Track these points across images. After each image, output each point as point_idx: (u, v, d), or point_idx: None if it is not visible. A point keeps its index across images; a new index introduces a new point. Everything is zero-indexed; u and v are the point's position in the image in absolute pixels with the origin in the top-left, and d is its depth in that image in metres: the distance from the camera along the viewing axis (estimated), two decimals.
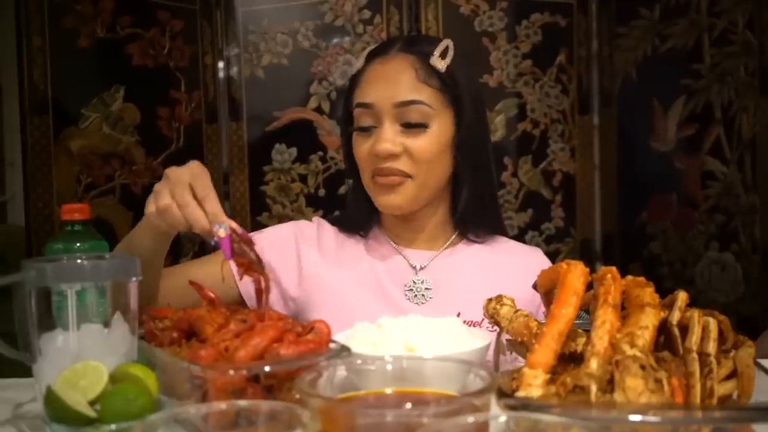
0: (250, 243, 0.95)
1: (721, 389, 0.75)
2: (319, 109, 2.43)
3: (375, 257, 1.32)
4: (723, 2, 2.17)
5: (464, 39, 2.35)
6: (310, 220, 1.39)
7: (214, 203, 0.96)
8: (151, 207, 0.98)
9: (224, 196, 2.48)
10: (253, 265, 0.95)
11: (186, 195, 0.95)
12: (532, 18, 2.46)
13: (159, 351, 0.83)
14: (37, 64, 2.02)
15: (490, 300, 1.04)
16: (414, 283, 1.29)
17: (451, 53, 1.27)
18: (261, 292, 0.95)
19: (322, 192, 2.42)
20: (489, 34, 2.42)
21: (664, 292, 2.43)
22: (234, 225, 0.96)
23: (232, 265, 1.17)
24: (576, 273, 0.86)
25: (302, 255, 1.31)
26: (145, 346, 0.87)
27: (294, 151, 2.45)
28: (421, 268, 1.31)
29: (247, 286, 1.26)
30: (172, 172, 0.98)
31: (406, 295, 1.28)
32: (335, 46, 2.42)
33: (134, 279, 0.85)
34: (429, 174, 1.25)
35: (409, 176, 1.23)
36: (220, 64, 2.48)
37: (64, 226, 1.00)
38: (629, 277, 0.90)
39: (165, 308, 0.94)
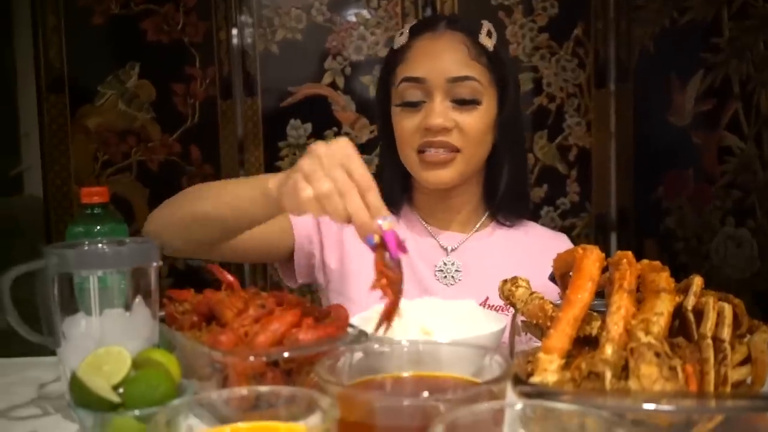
0: (404, 250, 0.79)
1: (735, 375, 0.75)
2: (333, 85, 2.42)
3: (407, 237, 1.33)
4: None
5: (480, 13, 2.33)
6: None
7: (376, 194, 0.81)
8: (305, 191, 0.80)
9: (239, 173, 2.49)
10: (394, 285, 0.78)
11: (348, 181, 0.79)
12: None
13: (180, 335, 0.85)
14: (52, 43, 2.03)
15: (505, 281, 1.04)
16: (444, 264, 1.30)
17: (495, 35, 1.29)
18: (389, 315, 0.78)
19: None
20: (505, 8, 2.39)
21: (680, 267, 2.42)
22: (393, 228, 0.80)
23: (293, 218, 1.18)
24: (592, 258, 0.86)
25: (344, 228, 1.31)
26: (165, 329, 0.89)
27: (309, 126, 2.44)
28: (452, 250, 1.32)
29: (301, 239, 1.29)
30: (322, 149, 0.82)
31: (436, 275, 1.30)
32: (350, 20, 2.40)
33: (155, 264, 0.86)
34: (476, 150, 1.26)
35: (458, 150, 1.24)
36: (235, 40, 2.47)
37: (83, 209, 1.01)
38: (645, 261, 0.90)
39: (185, 291, 0.96)
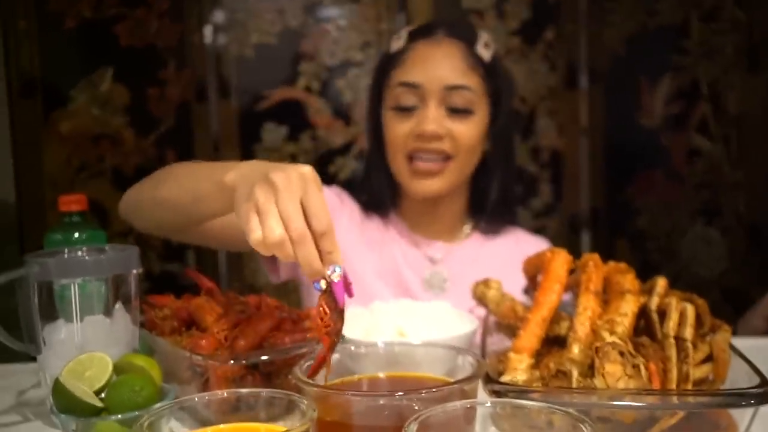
0: (351, 294, 0.76)
1: (697, 373, 0.79)
2: (308, 88, 2.43)
3: (394, 247, 1.34)
4: None
5: (452, 16, 2.36)
6: None
7: (332, 239, 0.75)
8: (255, 233, 0.73)
9: None
10: (332, 333, 0.74)
11: (302, 226, 0.73)
12: None
13: (161, 340, 0.87)
14: (23, 47, 2.02)
15: (477, 283, 1.07)
16: (431, 275, 1.32)
17: (492, 46, 1.30)
18: (321, 362, 0.75)
19: None
20: (477, 12, 2.42)
21: (651, 265, 2.47)
22: (343, 273, 0.75)
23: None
24: (559, 261, 0.89)
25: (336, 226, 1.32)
26: (146, 334, 0.90)
27: (284, 129, 2.46)
28: (439, 260, 1.34)
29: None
30: (281, 179, 0.74)
31: (423, 286, 1.31)
32: (324, 25, 2.42)
33: (135, 271, 0.88)
34: (467, 159, 1.27)
35: (449, 157, 1.25)
36: (208, 43, 2.48)
37: (61, 217, 1.02)
38: (611, 264, 0.94)
39: (165, 297, 0.97)
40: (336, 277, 0.73)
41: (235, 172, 0.82)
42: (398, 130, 1.26)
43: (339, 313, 0.74)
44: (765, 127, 2.07)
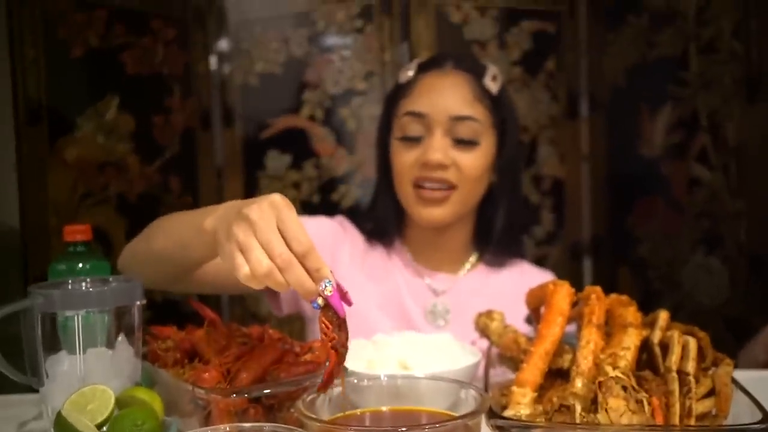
0: (349, 302, 0.78)
1: (700, 407, 0.79)
2: (312, 117, 2.45)
3: (398, 278, 1.34)
4: (710, 11, 2.21)
5: (455, 47, 2.38)
6: None
7: (316, 256, 0.77)
8: (243, 269, 0.75)
9: (219, 203, 2.50)
10: (338, 346, 0.76)
11: (285, 251, 0.75)
12: (521, 25, 2.49)
13: (163, 372, 0.87)
14: (31, 75, 2.03)
15: (480, 315, 1.08)
16: (434, 306, 1.32)
17: (500, 79, 1.32)
18: (333, 375, 0.76)
19: (316, 198, 2.45)
20: (479, 42, 2.45)
21: (653, 294, 2.46)
22: (336, 282, 0.77)
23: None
24: (562, 294, 0.90)
25: (336, 258, 1.33)
26: (148, 366, 0.90)
27: (288, 157, 2.47)
28: (442, 292, 1.34)
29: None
30: (255, 213, 0.77)
31: (426, 317, 1.31)
32: (328, 54, 2.44)
33: (138, 303, 0.88)
34: (471, 189, 1.28)
35: (453, 187, 1.26)
36: (213, 71, 2.51)
37: (66, 246, 1.02)
38: (613, 296, 0.94)
39: (167, 328, 0.97)
40: (329, 291, 0.75)
41: (212, 217, 0.84)
42: (405, 159, 1.27)
43: (341, 324, 0.76)
44: (764, 157, 2.08)
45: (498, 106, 1.30)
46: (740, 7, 2.11)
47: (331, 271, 0.77)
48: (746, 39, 2.10)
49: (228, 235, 0.78)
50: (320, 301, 0.76)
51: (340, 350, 0.76)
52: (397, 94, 1.34)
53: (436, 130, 1.25)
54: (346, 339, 0.76)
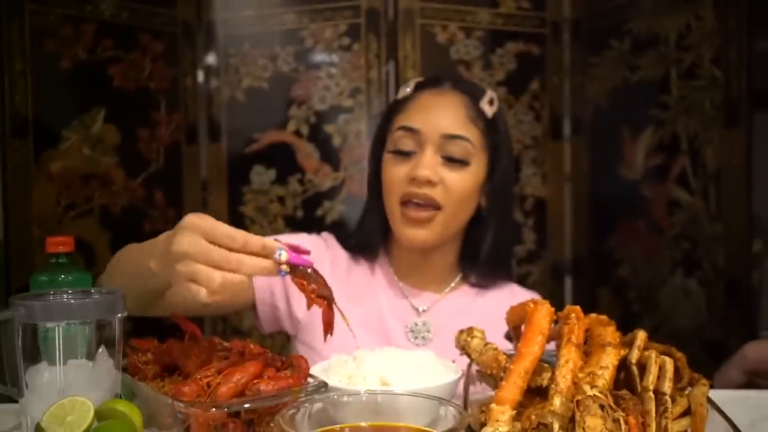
0: (308, 252, 0.86)
1: (676, 427, 0.80)
2: (297, 133, 2.47)
3: (381, 296, 1.35)
4: (691, 37, 2.25)
5: (440, 67, 2.41)
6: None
7: (254, 240, 0.83)
8: (201, 293, 0.81)
9: None
10: (321, 294, 0.84)
11: (226, 256, 0.82)
12: (506, 47, 2.53)
13: (143, 386, 0.87)
14: (18, 88, 2.03)
15: (461, 332, 1.08)
16: (416, 325, 1.32)
17: (497, 104, 1.33)
18: (329, 322, 0.84)
19: (300, 214, 2.45)
20: (465, 62, 2.48)
21: (633, 315, 2.47)
22: (284, 243, 0.84)
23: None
24: (542, 313, 0.91)
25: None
26: (128, 379, 0.90)
27: (273, 172, 2.48)
28: (424, 311, 1.34)
29: (263, 293, 1.31)
30: (181, 245, 0.83)
31: (407, 336, 1.31)
32: (315, 71, 2.46)
33: (119, 315, 0.88)
34: (456, 210, 1.28)
35: (439, 208, 1.26)
36: (200, 86, 2.51)
37: (48, 258, 1.02)
38: (592, 316, 0.95)
39: (148, 341, 0.97)
40: (285, 257, 0.82)
41: (155, 260, 0.91)
42: (395, 173, 1.28)
43: (312, 274, 0.84)
44: (742, 181, 2.11)
45: (492, 130, 1.31)
46: (720, 34, 2.15)
47: (274, 239, 0.83)
48: (726, 66, 2.14)
49: (175, 276, 0.84)
50: (285, 267, 0.82)
51: (325, 294, 0.84)
52: (393, 110, 1.35)
53: (427, 147, 1.26)
54: (324, 282, 0.85)
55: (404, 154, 1.28)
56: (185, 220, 0.85)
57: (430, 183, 1.25)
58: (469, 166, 1.27)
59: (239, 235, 0.82)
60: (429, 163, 1.25)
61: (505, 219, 1.38)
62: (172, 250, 0.83)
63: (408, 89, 1.35)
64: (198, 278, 0.81)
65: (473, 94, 1.32)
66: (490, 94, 1.33)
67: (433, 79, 1.37)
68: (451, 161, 1.26)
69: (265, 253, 0.82)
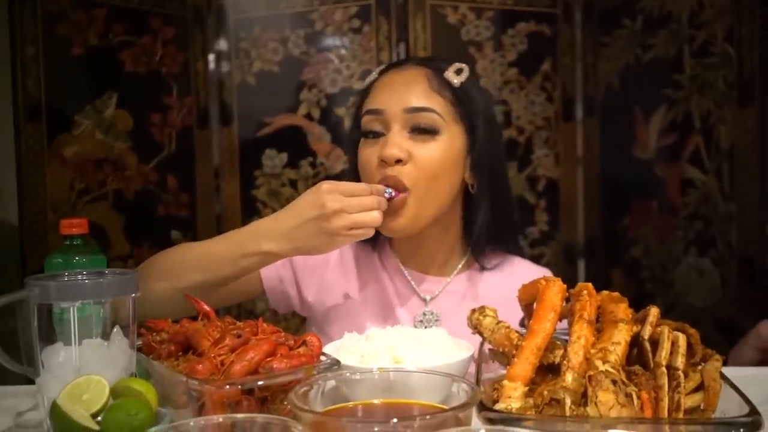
0: (400, 188, 1.21)
1: (689, 402, 0.80)
2: (308, 116, 2.46)
3: (388, 286, 1.34)
4: (703, 15, 2.23)
5: (451, 48, 2.40)
6: None
7: (373, 188, 1.15)
8: (375, 223, 1.14)
9: (216, 201, 2.52)
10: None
11: (367, 200, 1.12)
12: (517, 27, 2.51)
13: (157, 364, 0.87)
14: (30, 72, 2.05)
15: (473, 311, 1.08)
16: (424, 314, 1.31)
17: (466, 74, 1.28)
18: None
19: None
20: (476, 43, 2.46)
21: (646, 295, 2.46)
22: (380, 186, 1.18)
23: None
24: (554, 289, 0.90)
25: (328, 262, 1.35)
26: (143, 358, 0.91)
27: (284, 156, 2.48)
28: (431, 299, 1.33)
29: (271, 281, 1.35)
30: (331, 204, 1.10)
31: (416, 325, 1.30)
32: (325, 54, 2.45)
33: (133, 295, 0.89)
34: (429, 189, 1.22)
35: (405, 190, 1.21)
36: (211, 70, 2.52)
37: (62, 240, 1.03)
38: (604, 293, 0.95)
39: (162, 321, 0.98)
40: (389, 193, 1.19)
41: (274, 242, 1.13)
42: (367, 157, 1.24)
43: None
44: (755, 160, 2.09)
45: (461, 99, 1.25)
46: (733, 11, 2.13)
47: (378, 182, 1.20)
48: (738, 43, 2.12)
49: (331, 233, 1.10)
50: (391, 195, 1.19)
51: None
52: (362, 97, 1.32)
53: (393, 125, 1.22)
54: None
55: (374, 135, 1.25)
56: (323, 186, 1.10)
57: (399, 160, 1.20)
58: (439, 135, 1.22)
59: (365, 187, 1.13)
60: (395, 141, 1.21)
61: (499, 194, 1.31)
62: (326, 211, 1.09)
63: (373, 75, 1.33)
64: (359, 222, 1.10)
65: (437, 66, 1.27)
66: (457, 65, 1.28)
67: (397, 62, 1.37)
68: (420, 133, 1.22)
69: (378, 191, 1.15)
